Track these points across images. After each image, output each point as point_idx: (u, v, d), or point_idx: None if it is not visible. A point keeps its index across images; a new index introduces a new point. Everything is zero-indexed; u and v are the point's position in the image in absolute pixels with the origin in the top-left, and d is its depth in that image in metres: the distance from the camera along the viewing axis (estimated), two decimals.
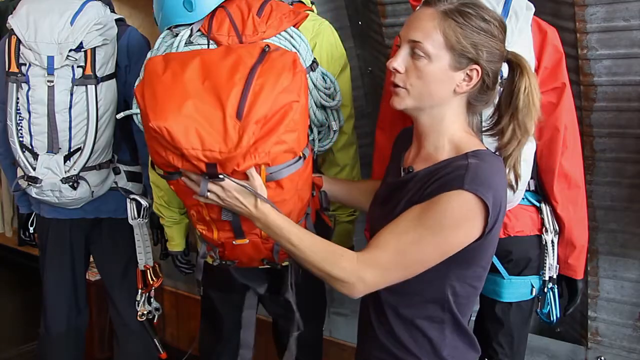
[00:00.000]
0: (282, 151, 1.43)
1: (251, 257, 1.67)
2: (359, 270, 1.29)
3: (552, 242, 1.84)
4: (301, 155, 1.50)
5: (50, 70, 2.11)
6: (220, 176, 1.37)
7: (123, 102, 2.29)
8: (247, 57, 1.44)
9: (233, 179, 1.38)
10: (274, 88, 1.38)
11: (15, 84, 2.14)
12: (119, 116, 1.93)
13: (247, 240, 1.58)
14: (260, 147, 1.38)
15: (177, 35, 1.78)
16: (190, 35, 1.74)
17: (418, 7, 1.40)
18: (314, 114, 1.75)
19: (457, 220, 1.27)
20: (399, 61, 1.35)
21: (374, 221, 1.49)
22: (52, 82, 2.12)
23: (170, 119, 1.34)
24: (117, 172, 2.37)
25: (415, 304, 1.39)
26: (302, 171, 1.52)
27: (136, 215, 2.37)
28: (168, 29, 1.85)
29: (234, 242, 1.58)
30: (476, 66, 1.34)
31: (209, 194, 1.41)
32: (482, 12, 1.34)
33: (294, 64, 1.44)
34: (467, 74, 1.35)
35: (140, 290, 2.43)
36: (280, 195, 1.47)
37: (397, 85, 1.36)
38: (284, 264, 1.74)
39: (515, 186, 1.46)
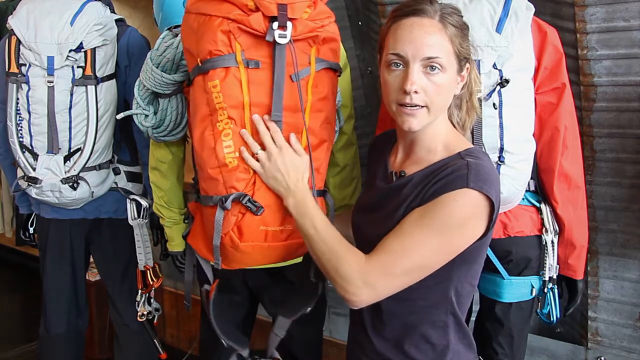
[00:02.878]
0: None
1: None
2: (365, 272, 1.26)
3: (552, 242, 1.84)
4: None
5: (50, 70, 2.11)
6: (289, 24, 1.38)
7: (123, 102, 2.29)
8: None
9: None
10: None
11: (15, 85, 2.14)
12: (119, 116, 1.94)
13: None
14: None
15: (177, 35, 1.78)
16: None
17: (401, 20, 1.32)
18: None
19: (463, 219, 1.25)
20: (417, 82, 1.28)
21: (364, 227, 1.46)
22: (52, 82, 2.12)
23: None
24: (117, 172, 2.37)
25: (418, 310, 1.37)
26: None
27: (136, 216, 2.37)
28: (168, 29, 1.85)
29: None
30: (468, 64, 1.36)
31: (259, 153, 1.39)
32: (457, 11, 1.36)
33: None
34: (461, 74, 1.36)
35: (140, 291, 2.43)
36: None
37: (416, 106, 1.29)
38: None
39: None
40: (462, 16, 1.36)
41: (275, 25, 1.37)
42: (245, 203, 1.40)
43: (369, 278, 1.26)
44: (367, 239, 1.38)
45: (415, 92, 1.28)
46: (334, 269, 1.29)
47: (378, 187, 1.47)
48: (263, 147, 1.41)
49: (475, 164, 1.27)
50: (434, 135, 1.37)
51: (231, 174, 1.42)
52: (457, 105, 1.43)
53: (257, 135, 1.41)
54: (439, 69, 1.29)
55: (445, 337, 1.37)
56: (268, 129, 1.41)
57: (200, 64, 1.43)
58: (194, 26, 1.44)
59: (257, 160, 1.41)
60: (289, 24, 1.38)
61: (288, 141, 1.43)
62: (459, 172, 1.26)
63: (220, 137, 1.42)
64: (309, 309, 1.71)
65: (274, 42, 1.39)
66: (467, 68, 1.37)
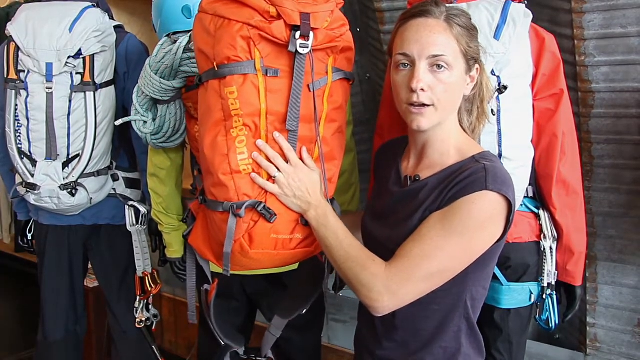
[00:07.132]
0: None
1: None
2: (386, 279, 1.27)
3: (551, 248, 1.84)
4: None
5: (49, 77, 2.12)
6: (311, 34, 1.35)
7: (122, 108, 2.29)
8: None
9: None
10: None
11: (14, 91, 2.14)
12: (117, 123, 1.94)
13: None
14: None
15: (175, 41, 1.79)
16: (189, 42, 1.74)
17: (408, 21, 1.36)
18: None
19: (482, 221, 1.26)
20: (423, 79, 1.30)
21: (377, 231, 1.46)
22: (51, 88, 2.12)
23: None
24: (115, 178, 2.37)
25: (432, 315, 1.37)
26: None
27: (135, 222, 2.36)
28: (167, 35, 1.85)
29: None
30: (477, 65, 1.38)
31: (277, 175, 1.38)
32: (465, 14, 1.38)
33: None
34: (470, 75, 1.38)
35: (138, 297, 2.43)
36: None
37: (423, 105, 1.31)
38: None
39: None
40: (470, 18, 1.38)
41: (297, 34, 1.35)
42: (260, 210, 1.38)
43: (390, 285, 1.27)
44: (379, 244, 1.39)
45: (422, 89, 1.29)
46: (356, 278, 1.30)
47: (391, 191, 1.47)
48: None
49: (492, 167, 1.29)
50: (445, 139, 1.39)
51: (244, 180, 1.40)
52: (468, 110, 1.44)
53: (272, 142, 1.40)
54: (445, 67, 1.30)
55: (458, 341, 1.37)
56: (281, 147, 1.40)
57: (216, 69, 1.39)
58: (210, 29, 1.40)
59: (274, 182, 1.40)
60: (310, 33, 1.36)
61: (300, 154, 1.43)
62: (477, 175, 1.27)
63: (234, 144, 1.39)
64: (305, 310, 1.71)
65: (295, 52, 1.37)
66: (477, 69, 1.39)
